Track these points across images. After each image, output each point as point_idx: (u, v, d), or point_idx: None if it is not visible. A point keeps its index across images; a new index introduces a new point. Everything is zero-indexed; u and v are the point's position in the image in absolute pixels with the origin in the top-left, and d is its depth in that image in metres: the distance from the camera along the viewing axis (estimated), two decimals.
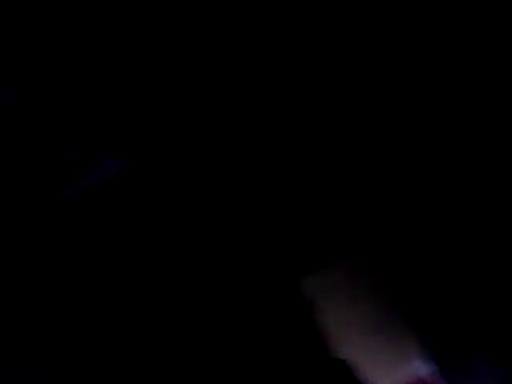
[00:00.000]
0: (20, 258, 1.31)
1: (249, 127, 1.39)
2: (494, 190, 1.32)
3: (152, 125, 1.38)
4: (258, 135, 1.38)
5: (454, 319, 1.23)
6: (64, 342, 1.26)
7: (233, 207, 1.34)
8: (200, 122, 1.39)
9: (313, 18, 1.36)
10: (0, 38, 1.29)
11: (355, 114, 1.39)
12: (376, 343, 1.20)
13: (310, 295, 1.26)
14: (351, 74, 1.39)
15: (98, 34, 1.32)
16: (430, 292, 1.26)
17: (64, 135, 1.33)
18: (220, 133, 1.39)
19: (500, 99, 1.34)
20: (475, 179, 1.33)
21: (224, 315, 1.26)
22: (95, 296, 1.29)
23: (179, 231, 1.34)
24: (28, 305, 1.28)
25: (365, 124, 1.38)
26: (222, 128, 1.39)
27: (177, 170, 1.37)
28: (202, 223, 1.34)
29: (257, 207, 1.34)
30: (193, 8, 1.34)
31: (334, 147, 1.38)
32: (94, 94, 1.36)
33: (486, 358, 1.18)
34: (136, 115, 1.37)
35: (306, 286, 1.27)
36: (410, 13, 1.34)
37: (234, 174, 1.37)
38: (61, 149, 1.34)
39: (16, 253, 1.32)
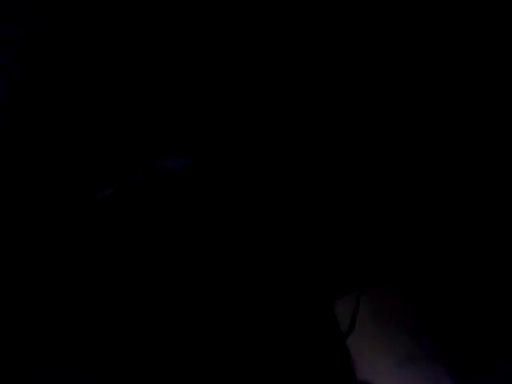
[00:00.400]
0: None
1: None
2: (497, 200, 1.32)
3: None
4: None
5: (486, 352, 1.22)
6: (64, 342, 1.25)
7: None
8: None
9: (313, 18, 1.37)
10: None
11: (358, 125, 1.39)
12: (407, 373, 1.18)
13: (344, 318, 1.25)
14: (351, 75, 1.39)
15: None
16: (465, 322, 1.25)
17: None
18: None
19: (500, 99, 1.34)
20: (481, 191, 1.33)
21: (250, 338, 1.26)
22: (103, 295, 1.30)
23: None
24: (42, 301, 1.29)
25: (366, 127, 1.39)
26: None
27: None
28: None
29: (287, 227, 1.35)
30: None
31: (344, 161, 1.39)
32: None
33: None
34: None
35: (341, 310, 1.26)
36: (410, 13, 1.35)
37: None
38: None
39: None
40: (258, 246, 1.31)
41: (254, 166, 1.38)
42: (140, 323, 1.27)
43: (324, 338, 1.24)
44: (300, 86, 1.40)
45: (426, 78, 1.37)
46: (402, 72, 1.38)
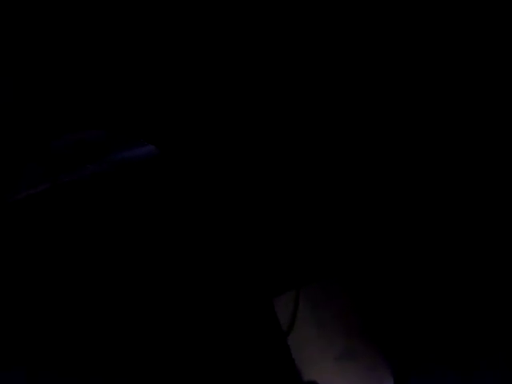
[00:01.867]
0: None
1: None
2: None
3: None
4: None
5: (423, 344, 1.22)
6: (62, 343, 1.26)
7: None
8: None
9: (313, 18, 1.36)
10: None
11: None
12: (347, 368, 1.18)
13: (283, 316, 1.24)
14: (351, 75, 1.38)
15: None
16: (402, 316, 1.25)
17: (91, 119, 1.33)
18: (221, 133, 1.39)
19: (500, 99, 1.34)
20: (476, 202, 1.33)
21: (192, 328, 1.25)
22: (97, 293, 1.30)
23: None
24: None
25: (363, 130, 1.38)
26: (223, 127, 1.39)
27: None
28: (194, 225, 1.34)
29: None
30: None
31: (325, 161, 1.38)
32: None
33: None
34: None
35: (280, 307, 1.25)
36: (411, 13, 1.34)
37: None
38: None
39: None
40: (200, 241, 1.29)
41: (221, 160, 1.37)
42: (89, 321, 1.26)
43: (265, 338, 1.22)
44: (296, 85, 1.40)
45: (427, 78, 1.37)
46: (402, 72, 1.37)
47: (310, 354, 1.19)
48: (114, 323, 1.26)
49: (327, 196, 1.34)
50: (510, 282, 1.24)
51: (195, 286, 1.28)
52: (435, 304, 1.24)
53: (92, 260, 1.33)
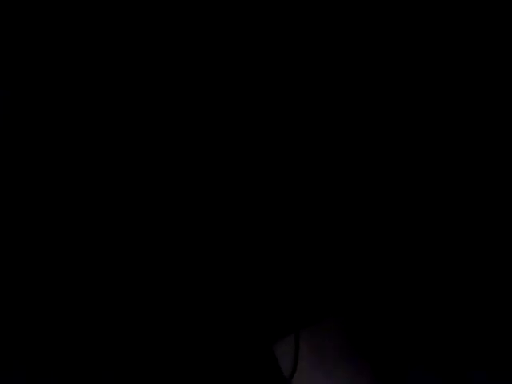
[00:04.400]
0: None
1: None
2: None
3: None
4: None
5: None
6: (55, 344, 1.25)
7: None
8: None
9: (313, 19, 1.36)
10: None
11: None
12: None
13: (284, 360, 1.20)
14: (351, 75, 1.38)
15: None
16: (406, 355, 1.24)
17: None
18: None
19: (501, 99, 1.34)
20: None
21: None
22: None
23: None
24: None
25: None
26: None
27: None
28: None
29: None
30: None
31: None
32: None
33: None
34: None
35: (280, 351, 1.21)
36: (411, 13, 1.34)
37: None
38: None
39: None
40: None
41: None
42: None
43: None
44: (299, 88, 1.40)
45: (427, 79, 1.37)
46: (401, 72, 1.37)
47: None
48: (113, 327, 1.26)
49: (324, 229, 1.31)
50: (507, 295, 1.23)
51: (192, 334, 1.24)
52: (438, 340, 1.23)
53: (90, 260, 1.33)
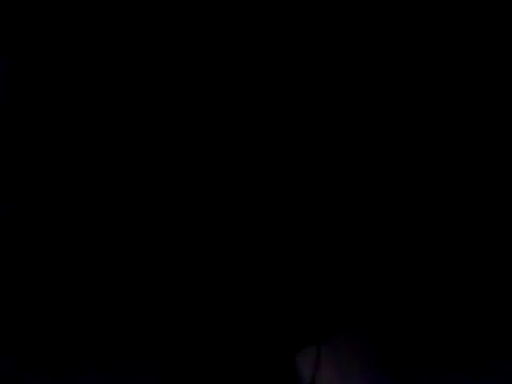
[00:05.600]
0: None
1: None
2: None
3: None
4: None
5: None
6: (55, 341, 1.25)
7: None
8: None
9: (313, 19, 1.36)
10: None
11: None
12: None
13: (304, 372, 1.19)
14: (351, 75, 1.38)
15: None
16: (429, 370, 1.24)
17: None
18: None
19: (501, 99, 1.34)
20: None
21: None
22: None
23: None
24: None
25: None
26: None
27: None
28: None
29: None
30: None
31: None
32: None
33: None
34: None
35: (300, 364, 1.20)
36: (412, 13, 1.34)
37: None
38: None
39: None
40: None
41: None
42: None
43: None
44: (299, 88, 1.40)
45: (427, 79, 1.37)
46: (402, 72, 1.37)
47: None
48: (111, 326, 1.25)
49: (344, 247, 1.33)
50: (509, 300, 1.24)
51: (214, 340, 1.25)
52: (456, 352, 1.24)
53: (88, 260, 1.32)
